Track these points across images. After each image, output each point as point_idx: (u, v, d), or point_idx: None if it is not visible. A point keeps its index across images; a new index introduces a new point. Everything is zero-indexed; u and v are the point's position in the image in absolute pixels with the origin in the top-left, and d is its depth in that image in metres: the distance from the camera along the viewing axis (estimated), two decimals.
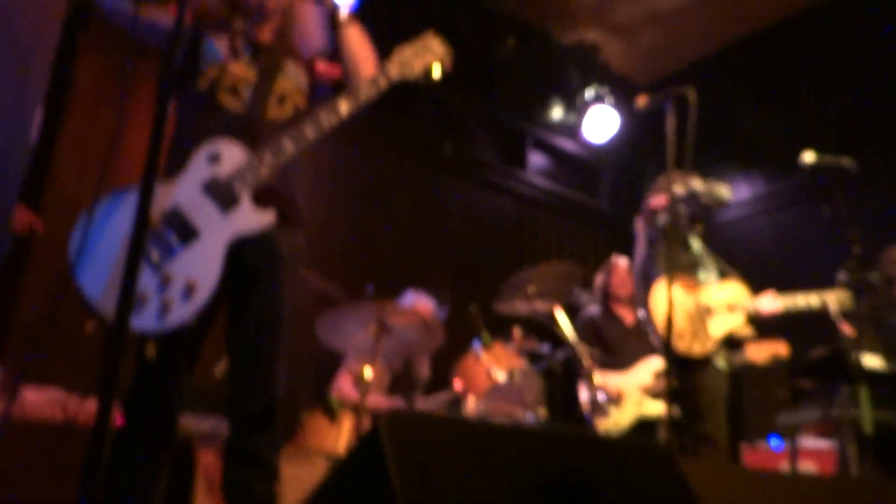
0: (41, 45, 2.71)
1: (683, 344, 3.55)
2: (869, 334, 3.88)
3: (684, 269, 3.76)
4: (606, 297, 4.92)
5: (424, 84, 2.22)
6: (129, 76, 2.29)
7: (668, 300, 2.78)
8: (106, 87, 4.04)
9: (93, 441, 1.20)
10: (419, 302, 4.31)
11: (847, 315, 3.96)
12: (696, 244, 3.88)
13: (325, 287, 4.06)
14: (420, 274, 5.40)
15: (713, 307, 3.67)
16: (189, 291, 1.82)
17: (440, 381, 4.42)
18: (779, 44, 6.13)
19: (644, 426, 4.14)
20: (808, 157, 3.45)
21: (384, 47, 5.55)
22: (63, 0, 3.12)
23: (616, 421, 4.19)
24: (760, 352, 3.86)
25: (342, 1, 2.17)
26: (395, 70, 2.12)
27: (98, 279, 1.78)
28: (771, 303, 3.65)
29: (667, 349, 2.83)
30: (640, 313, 4.34)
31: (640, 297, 4.01)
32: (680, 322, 3.56)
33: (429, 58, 2.17)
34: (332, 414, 3.64)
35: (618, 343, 4.75)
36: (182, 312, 1.81)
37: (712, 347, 3.63)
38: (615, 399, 4.50)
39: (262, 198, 1.97)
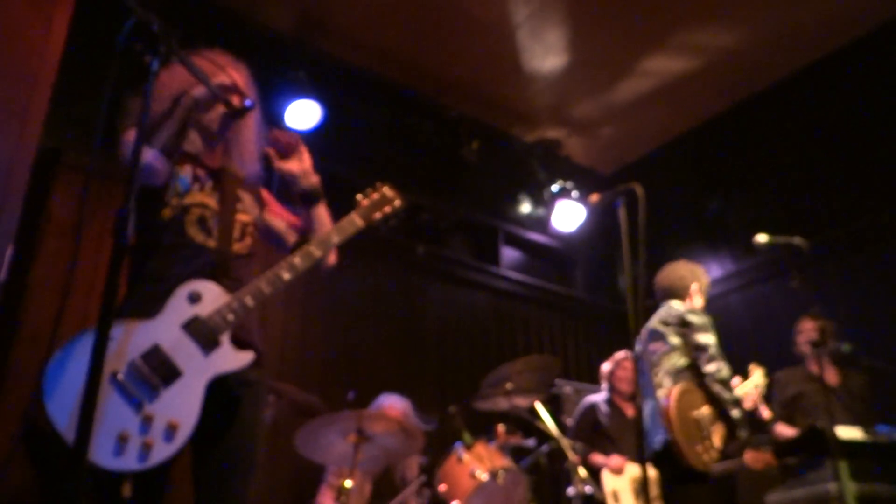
0: (12, 183, 2.80)
1: (693, 455, 3.48)
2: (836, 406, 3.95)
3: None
4: (611, 389, 4.99)
5: (383, 229, 2.48)
6: (86, 206, 2.30)
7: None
8: (80, 220, 4.13)
9: None
10: (388, 403, 4.32)
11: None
12: None
13: (305, 399, 4.05)
14: (401, 377, 5.39)
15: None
16: (171, 431, 1.84)
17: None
18: (731, 130, 6.43)
19: None
20: (761, 238, 3.59)
21: (356, 160, 5.72)
22: (35, 137, 3.24)
23: None
24: (757, 460, 3.96)
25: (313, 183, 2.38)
26: (359, 221, 2.36)
27: (69, 414, 1.78)
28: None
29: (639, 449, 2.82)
30: None
31: None
32: (690, 429, 3.53)
33: (386, 208, 2.44)
34: None
35: (618, 435, 4.79)
36: (164, 452, 1.82)
37: (716, 456, 3.58)
38: (614, 496, 4.50)
39: (238, 337, 2.02)
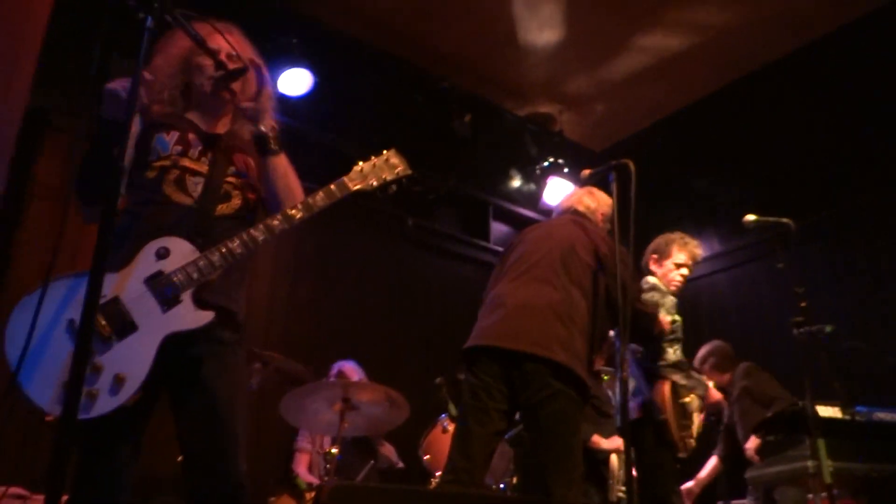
0: None
1: (679, 439, 3.57)
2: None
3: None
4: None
5: (380, 196, 2.27)
6: (76, 171, 2.26)
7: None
8: (67, 183, 4.09)
9: None
10: (344, 368, 4.39)
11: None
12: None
13: (291, 367, 4.06)
14: (388, 348, 5.41)
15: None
16: (117, 384, 1.82)
17: (410, 456, 4.39)
18: (723, 109, 6.42)
19: None
20: (750, 217, 3.59)
21: (347, 129, 5.65)
22: (23, 96, 3.19)
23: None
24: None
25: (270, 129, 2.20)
26: (352, 184, 2.20)
27: (31, 370, 1.79)
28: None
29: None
30: None
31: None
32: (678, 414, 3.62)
33: (386, 174, 2.26)
34: (299, 497, 3.60)
35: (606, 405, 4.78)
36: (106, 405, 1.81)
37: (694, 444, 3.68)
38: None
39: (203, 295, 1.98)
